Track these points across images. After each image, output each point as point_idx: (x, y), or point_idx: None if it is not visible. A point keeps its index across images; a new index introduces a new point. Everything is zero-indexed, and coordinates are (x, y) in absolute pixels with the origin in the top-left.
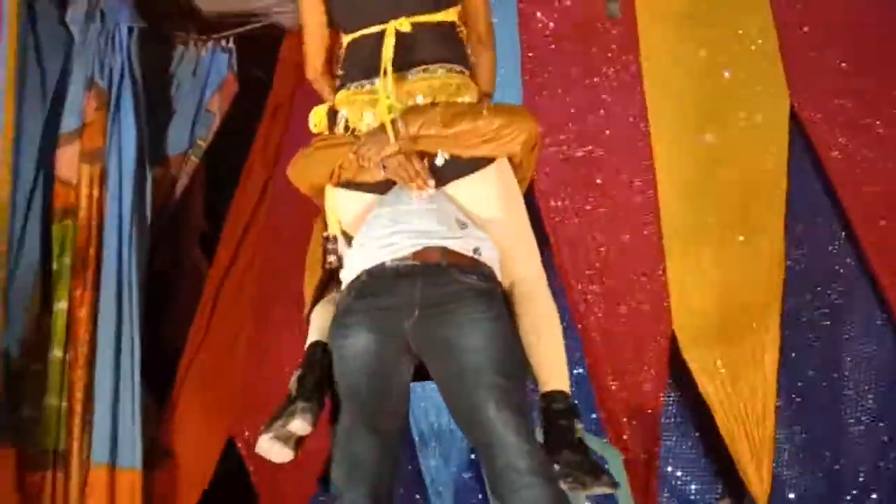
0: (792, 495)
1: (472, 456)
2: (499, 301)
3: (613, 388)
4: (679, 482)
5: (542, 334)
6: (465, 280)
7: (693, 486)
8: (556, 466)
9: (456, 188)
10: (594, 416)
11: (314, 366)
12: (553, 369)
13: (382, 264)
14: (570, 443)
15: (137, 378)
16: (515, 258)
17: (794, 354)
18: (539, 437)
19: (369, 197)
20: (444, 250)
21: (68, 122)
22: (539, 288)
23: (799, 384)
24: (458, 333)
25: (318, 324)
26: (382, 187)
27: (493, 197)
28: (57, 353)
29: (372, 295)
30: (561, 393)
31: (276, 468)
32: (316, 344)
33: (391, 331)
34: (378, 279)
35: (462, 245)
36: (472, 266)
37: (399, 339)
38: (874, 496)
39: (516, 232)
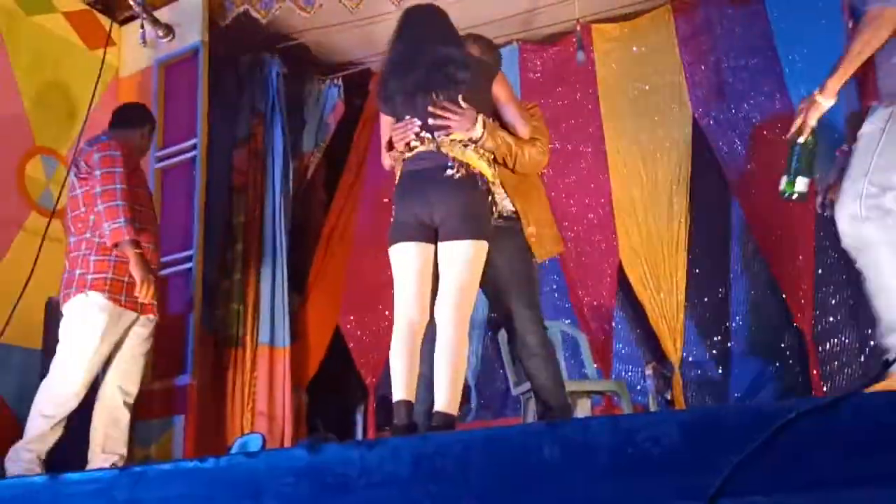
0: (690, 358)
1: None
2: None
3: (581, 294)
4: (623, 353)
5: (443, 361)
6: None
7: (632, 356)
8: None
9: None
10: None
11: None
12: (445, 393)
13: None
14: None
15: (286, 289)
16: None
17: (697, 271)
18: None
19: None
20: None
21: (241, 132)
22: (454, 318)
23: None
24: None
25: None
26: None
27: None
28: (237, 275)
29: None
30: (446, 415)
31: (369, 347)
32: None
33: None
34: None
35: None
36: None
37: None
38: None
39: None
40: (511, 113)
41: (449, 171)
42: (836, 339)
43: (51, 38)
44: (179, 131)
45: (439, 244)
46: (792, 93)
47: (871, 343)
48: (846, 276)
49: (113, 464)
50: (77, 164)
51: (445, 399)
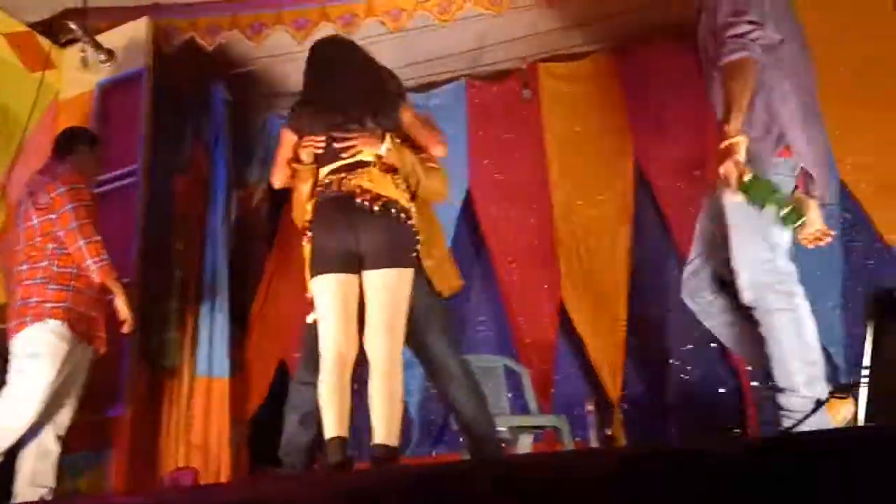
0: (631, 395)
1: None
2: None
3: (524, 329)
4: (565, 389)
5: (378, 392)
6: None
7: (571, 390)
8: None
9: None
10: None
11: None
12: (384, 424)
13: None
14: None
15: (226, 318)
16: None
17: (637, 309)
18: None
19: None
20: None
21: (184, 159)
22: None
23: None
24: None
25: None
26: None
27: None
28: (174, 303)
29: None
30: (386, 447)
31: None
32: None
33: None
34: None
35: None
36: None
37: None
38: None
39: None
40: (422, 135)
41: (366, 199)
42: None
43: None
44: (120, 157)
45: (365, 273)
46: None
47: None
48: None
49: (41, 497)
50: (35, 196)
51: (385, 431)
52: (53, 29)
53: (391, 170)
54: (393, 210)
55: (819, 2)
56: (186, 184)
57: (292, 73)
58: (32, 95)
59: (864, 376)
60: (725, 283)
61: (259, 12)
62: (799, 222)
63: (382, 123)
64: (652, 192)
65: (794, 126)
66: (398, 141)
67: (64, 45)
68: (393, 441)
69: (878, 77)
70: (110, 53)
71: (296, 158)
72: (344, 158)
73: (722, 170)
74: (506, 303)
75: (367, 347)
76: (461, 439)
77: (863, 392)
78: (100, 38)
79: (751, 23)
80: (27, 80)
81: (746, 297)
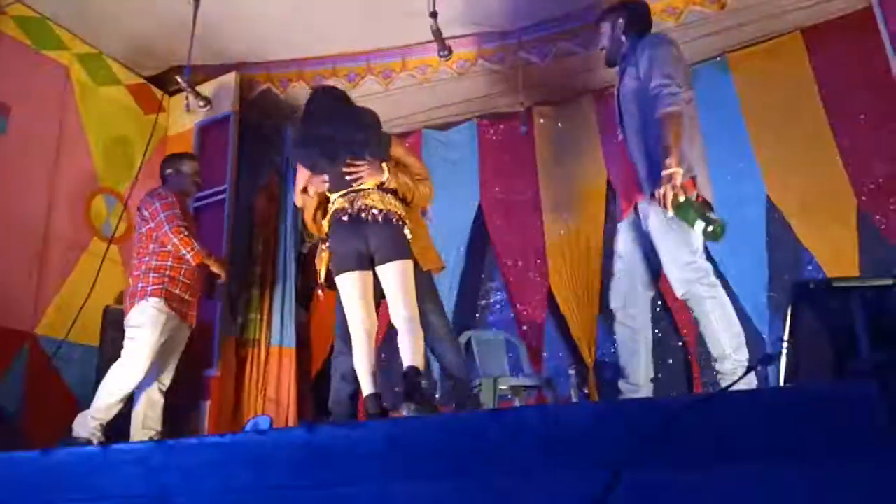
0: (602, 361)
1: None
2: None
3: (520, 310)
4: (550, 359)
5: (406, 340)
6: None
7: (557, 361)
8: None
9: None
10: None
11: None
12: (412, 355)
13: None
14: (419, 395)
15: (293, 302)
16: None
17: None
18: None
19: None
20: None
21: (262, 181)
22: (406, 318)
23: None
24: None
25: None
26: None
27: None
28: (255, 291)
29: None
30: (415, 367)
31: None
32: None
33: None
34: None
35: None
36: None
37: None
38: None
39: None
40: (410, 159)
41: (372, 214)
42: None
43: (115, 104)
44: (213, 179)
45: (378, 268)
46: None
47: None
48: None
49: (150, 437)
50: (141, 211)
51: (412, 356)
52: (164, 81)
53: (391, 191)
54: (393, 219)
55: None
56: (263, 200)
57: None
58: (148, 132)
59: (784, 347)
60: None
61: (319, 68)
62: (723, 235)
63: (378, 155)
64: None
65: (699, 165)
66: (392, 165)
67: (172, 93)
68: (420, 363)
69: (798, 115)
70: (207, 100)
71: (304, 189)
72: (353, 187)
73: (661, 192)
74: (508, 291)
75: (393, 321)
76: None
77: (783, 359)
78: (199, 88)
79: (678, 85)
80: (143, 121)
81: (679, 291)
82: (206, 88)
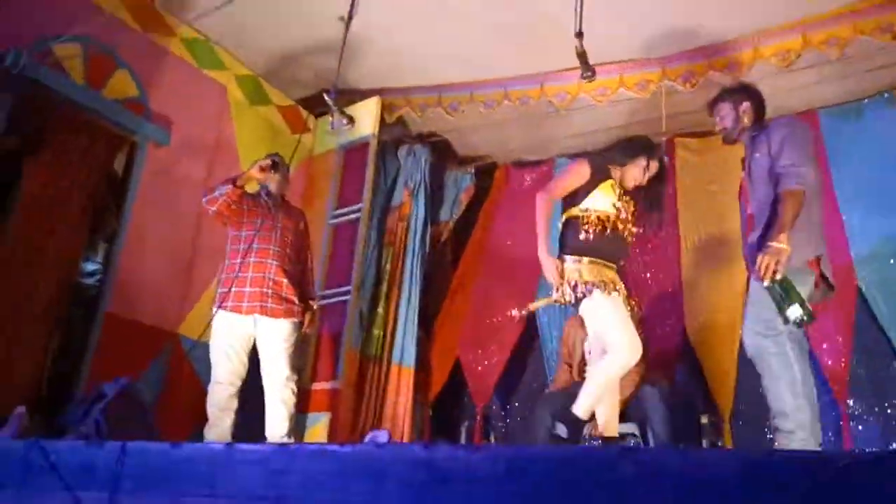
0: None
1: None
2: None
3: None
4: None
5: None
6: None
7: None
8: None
9: None
10: None
11: None
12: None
13: None
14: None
15: (416, 322)
16: None
17: None
18: None
19: None
20: None
21: (395, 202)
22: None
23: None
24: None
25: None
26: None
27: None
28: (380, 309)
29: None
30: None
31: (482, 375)
32: None
33: None
34: None
35: None
36: None
37: None
38: None
39: None
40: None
41: None
42: None
43: (266, 123)
44: (350, 197)
45: None
46: None
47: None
48: None
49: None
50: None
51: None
52: (312, 103)
53: None
54: None
55: None
56: (395, 220)
57: (478, 140)
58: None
59: None
60: None
61: (457, 94)
62: (810, 321)
63: None
64: None
65: (822, 245)
66: None
67: (318, 115)
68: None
69: None
70: (351, 119)
71: None
72: None
73: (764, 261)
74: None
75: None
76: None
77: None
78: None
79: (807, 166)
80: (291, 140)
81: (748, 342)
82: (351, 111)
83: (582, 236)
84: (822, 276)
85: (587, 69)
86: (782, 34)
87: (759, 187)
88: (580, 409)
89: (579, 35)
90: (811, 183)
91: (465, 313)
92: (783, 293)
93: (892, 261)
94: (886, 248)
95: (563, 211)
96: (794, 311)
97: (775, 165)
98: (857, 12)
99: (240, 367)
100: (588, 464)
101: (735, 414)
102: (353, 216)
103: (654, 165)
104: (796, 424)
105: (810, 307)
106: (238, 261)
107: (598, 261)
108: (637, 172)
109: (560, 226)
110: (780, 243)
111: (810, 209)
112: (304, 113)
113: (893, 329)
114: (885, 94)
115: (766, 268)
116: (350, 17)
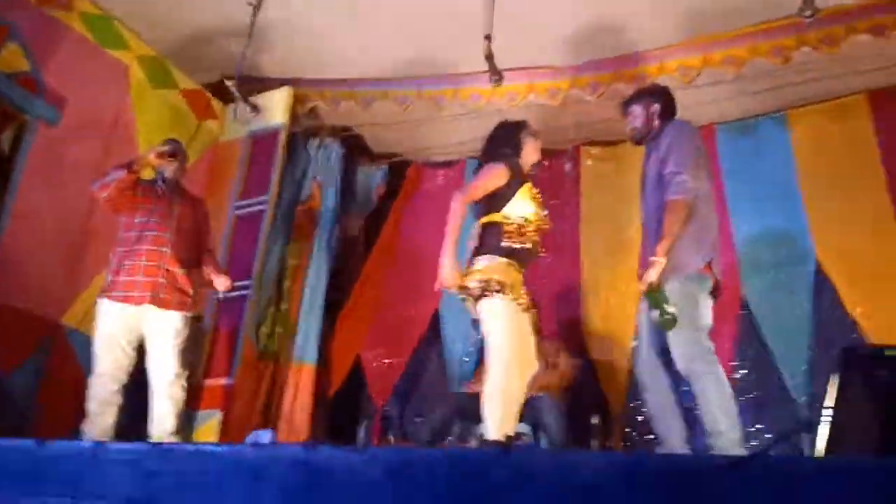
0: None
1: None
2: None
3: None
4: None
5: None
6: None
7: None
8: None
9: None
10: None
11: None
12: None
13: None
14: None
15: (320, 319)
16: None
17: None
18: None
19: None
20: None
21: (304, 195)
22: None
23: None
24: None
25: None
26: None
27: None
28: (284, 305)
29: None
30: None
31: (383, 374)
32: None
33: None
34: None
35: None
36: None
37: None
38: None
39: None
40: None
41: None
42: None
43: (170, 107)
44: (256, 188)
45: None
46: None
47: None
48: None
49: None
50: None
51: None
52: (219, 88)
53: None
54: None
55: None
56: (303, 213)
57: (390, 137)
58: (198, 137)
59: (827, 415)
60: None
61: (370, 89)
62: (671, 329)
63: None
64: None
65: (715, 250)
66: None
67: (227, 102)
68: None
69: (856, 180)
70: (255, 108)
71: None
72: None
73: (645, 274)
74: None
75: None
76: None
77: (824, 428)
78: (252, 98)
79: (691, 174)
80: (195, 126)
81: (680, 366)
82: (259, 100)
83: (504, 243)
84: (717, 281)
85: (495, 72)
86: (685, 51)
87: (651, 193)
88: (491, 434)
89: (488, 38)
90: (691, 189)
91: (369, 310)
92: (649, 300)
93: (772, 272)
94: (772, 258)
95: (483, 215)
96: (654, 315)
97: (662, 170)
98: (752, 34)
99: (125, 359)
100: (466, 466)
101: (627, 414)
102: (257, 208)
103: (538, 135)
104: (729, 443)
105: (672, 314)
106: (129, 248)
107: (514, 263)
108: (533, 149)
109: (477, 229)
110: (658, 256)
111: (708, 216)
112: (210, 98)
113: (774, 337)
114: (778, 114)
115: (645, 280)
116: (259, 4)
